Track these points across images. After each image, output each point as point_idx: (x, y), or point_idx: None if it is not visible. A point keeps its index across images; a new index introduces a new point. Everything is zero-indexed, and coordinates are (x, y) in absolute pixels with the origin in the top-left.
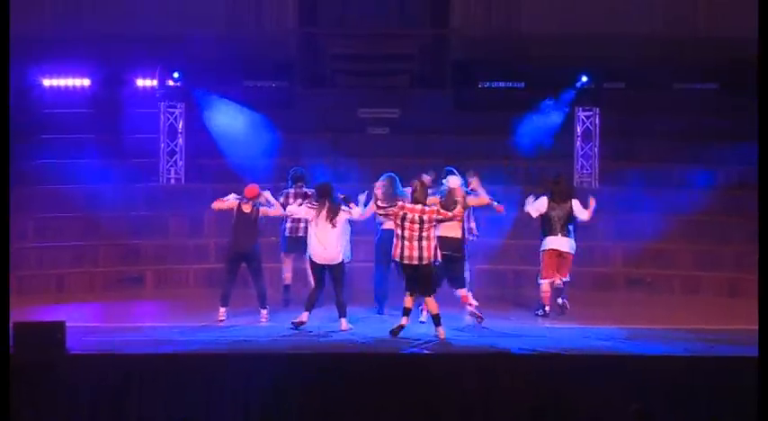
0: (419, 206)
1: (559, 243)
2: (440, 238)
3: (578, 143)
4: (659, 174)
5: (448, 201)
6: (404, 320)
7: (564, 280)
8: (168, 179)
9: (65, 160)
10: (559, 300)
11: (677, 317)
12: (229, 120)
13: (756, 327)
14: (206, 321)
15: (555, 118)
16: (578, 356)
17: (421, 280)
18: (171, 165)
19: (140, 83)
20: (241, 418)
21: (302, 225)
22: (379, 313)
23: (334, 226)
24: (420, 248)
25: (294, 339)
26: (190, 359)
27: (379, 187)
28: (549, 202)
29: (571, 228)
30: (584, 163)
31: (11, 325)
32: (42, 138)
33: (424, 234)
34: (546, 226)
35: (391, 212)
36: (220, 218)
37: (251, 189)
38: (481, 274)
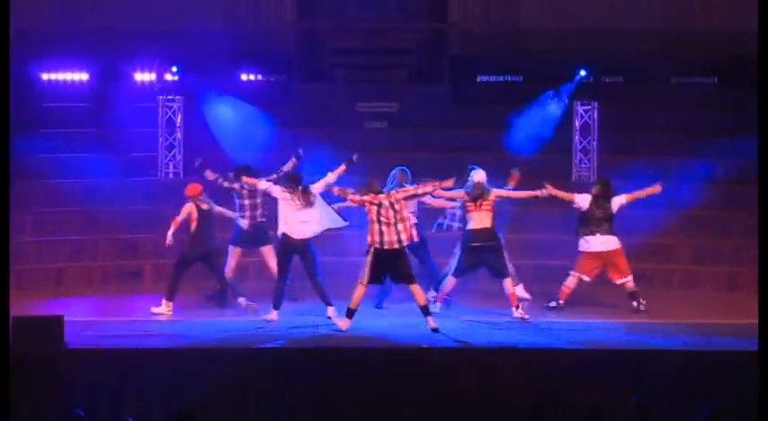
0: (382, 195)
1: (599, 243)
2: (471, 231)
3: (577, 137)
4: (658, 168)
5: (474, 193)
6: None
7: (627, 279)
8: (167, 173)
9: (63, 154)
10: (634, 304)
11: (676, 312)
12: (228, 114)
13: (755, 321)
14: (204, 316)
15: (554, 110)
16: (578, 351)
17: (400, 265)
18: (169, 160)
19: (138, 77)
20: (238, 412)
21: (259, 212)
22: (377, 307)
23: (312, 206)
24: (398, 232)
25: (290, 333)
26: (188, 353)
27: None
28: (592, 202)
29: (611, 225)
30: (583, 157)
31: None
32: (41, 132)
33: (399, 216)
34: (585, 225)
35: (366, 201)
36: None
37: (193, 187)
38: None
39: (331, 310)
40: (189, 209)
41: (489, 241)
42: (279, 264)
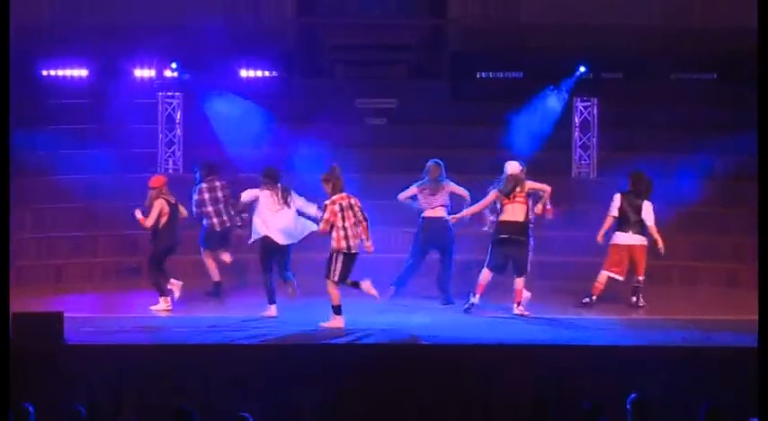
0: (344, 194)
1: (626, 237)
2: (501, 222)
3: (576, 133)
4: (657, 164)
5: (507, 187)
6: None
7: (640, 278)
8: (166, 169)
9: (63, 151)
10: (633, 299)
11: (675, 308)
12: (227, 110)
13: (755, 317)
14: (204, 312)
15: (554, 105)
16: (577, 347)
17: (352, 268)
18: (169, 156)
19: (138, 73)
20: (238, 408)
21: (225, 218)
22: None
23: (288, 207)
24: (358, 234)
25: (291, 329)
26: (188, 349)
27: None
28: (622, 198)
29: (643, 226)
30: (583, 153)
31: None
32: (41, 128)
33: (361, 216)
34: (619, 225)
35: (330, 212)
36: None
37: (157, 178)
38: (479, 264)
39: (273, 309)
40: (160, 205)
41: (517, 235)
42: (262, 262)
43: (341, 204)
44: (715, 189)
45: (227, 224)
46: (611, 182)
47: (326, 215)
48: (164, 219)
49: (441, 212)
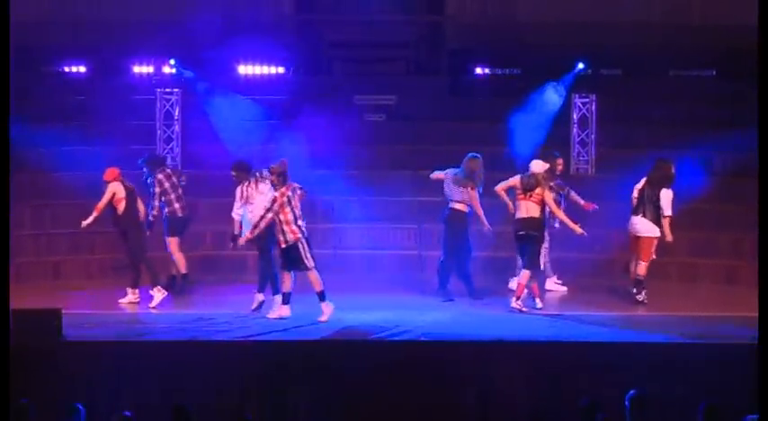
0: (284, 187)
1: (633, 224)
2: (517, 220)
3: (575, 130)
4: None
5: (529, 183)
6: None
7: (640, 263)
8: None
9: (61, 147)
10: (633, 290)
11: (674, 305)
12: (226, 106)
13: (754, 314)
14: (203, 308)
15: (554, 99)
16: (576, 344)
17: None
18: (167, 152)
19: (137, 69)
20: (237, 405)
21: (184, 201)
22: (450, 300)
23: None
24: (300, 216)
25: (290, 326)
26: (187, 345)
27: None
28: (644, 183)
29: (655, 212)
30: (581, 150)
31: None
32: (39, 125)
33: (300, 200)
34: (636, 205)
35: (279, 204)
36: (218, 206)
37: (111, 171)
38: (484, 262)
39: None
40: (113, 188)
41: (531, 230)
42: (263, 252)
43: (288, 196)
44: (714, 186)
45: (186, 210)
46: (610, 178)
47: (275, 205)
48: (121, 207)
49: (459, 206)
